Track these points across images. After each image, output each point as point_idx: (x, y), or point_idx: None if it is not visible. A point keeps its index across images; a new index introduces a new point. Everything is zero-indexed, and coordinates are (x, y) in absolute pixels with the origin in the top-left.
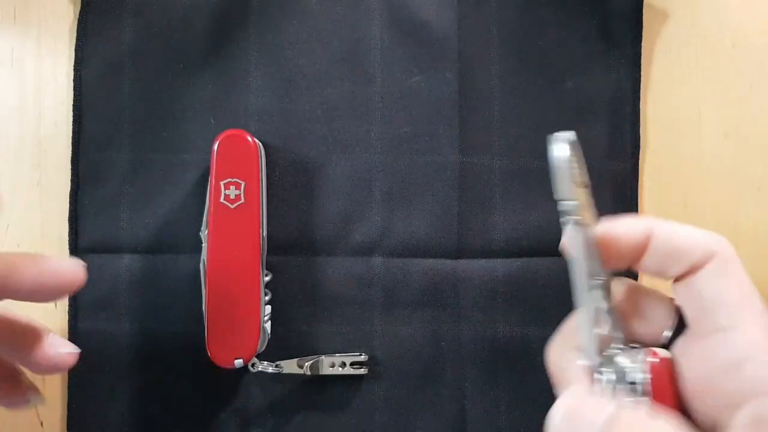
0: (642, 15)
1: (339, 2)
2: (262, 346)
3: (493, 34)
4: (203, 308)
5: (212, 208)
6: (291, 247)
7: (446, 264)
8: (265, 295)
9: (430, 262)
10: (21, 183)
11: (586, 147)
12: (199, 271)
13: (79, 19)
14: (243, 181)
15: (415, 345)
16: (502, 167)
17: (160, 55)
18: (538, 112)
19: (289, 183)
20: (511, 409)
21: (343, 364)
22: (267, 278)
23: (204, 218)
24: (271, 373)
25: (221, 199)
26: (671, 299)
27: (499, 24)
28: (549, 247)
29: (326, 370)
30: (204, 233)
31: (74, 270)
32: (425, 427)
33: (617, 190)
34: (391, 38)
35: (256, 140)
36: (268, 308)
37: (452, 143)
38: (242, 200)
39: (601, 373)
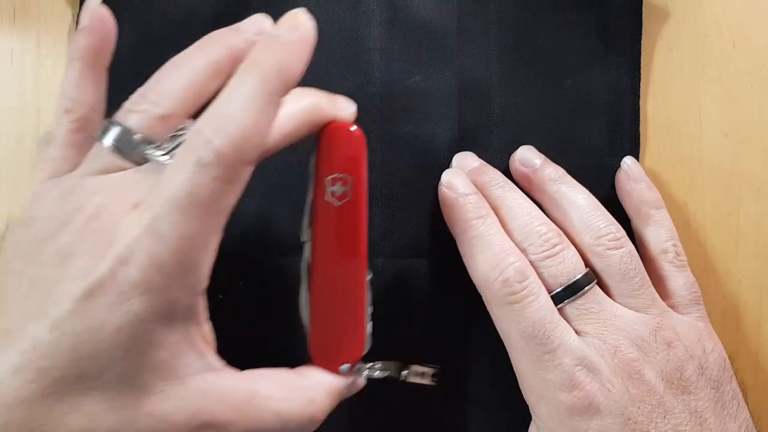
0: (642, 13)
1: (338, 2)
2: (365, 349)
3: (493, 32)
4: (302, 312)
5: (317, 207)
6: (290, 248)
7: (446, 264)
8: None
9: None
10: (21, 183)
11: (585, 145)
12: None
13: (78, 20)
14: (351, 176)
15: (415, 345)
16: (502, 167)
17: (160, 55)
18: (538, 111)
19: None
20: (511, 409)
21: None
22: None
23: (306, 218)
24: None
25: (326, 197)
26: None
27: (498, 22)
28: None
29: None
30: (307, 233)
31: None
32: (424, 428)
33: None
34: (390, 38)
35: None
36: (370, 309)
37: (452, 143)
38: (348, 197)
39: None
